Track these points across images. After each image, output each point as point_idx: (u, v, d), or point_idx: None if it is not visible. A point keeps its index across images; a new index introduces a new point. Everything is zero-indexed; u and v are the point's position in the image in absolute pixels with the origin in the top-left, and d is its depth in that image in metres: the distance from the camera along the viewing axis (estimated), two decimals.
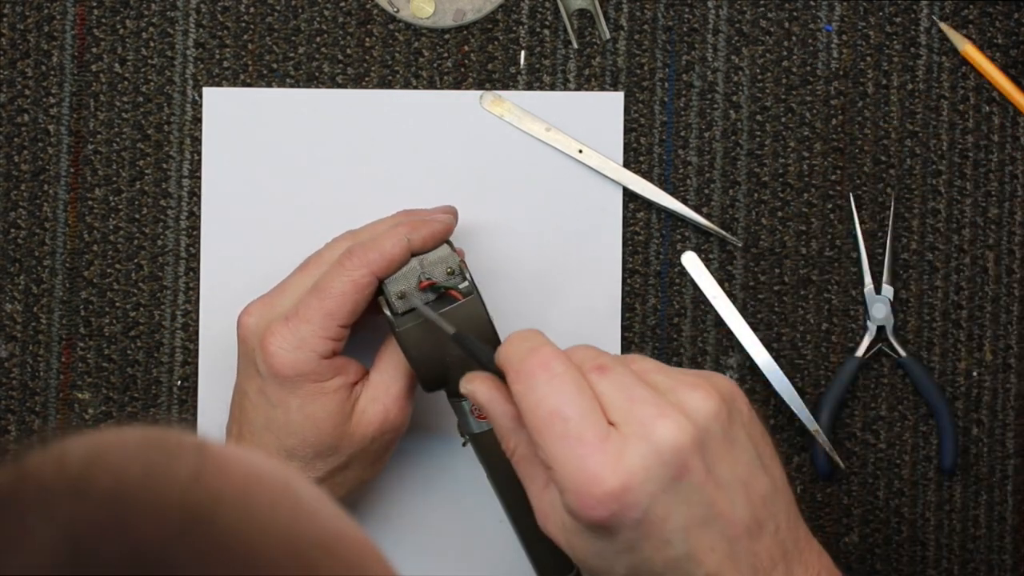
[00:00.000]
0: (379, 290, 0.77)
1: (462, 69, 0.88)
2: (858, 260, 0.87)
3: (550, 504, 0.67)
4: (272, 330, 0.77)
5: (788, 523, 0.67)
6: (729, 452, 0.65)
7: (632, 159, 0.88)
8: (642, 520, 0.63)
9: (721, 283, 0.88)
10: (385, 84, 0.88)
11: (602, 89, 0.88)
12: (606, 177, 0.87)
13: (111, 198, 0.88)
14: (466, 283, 0.77)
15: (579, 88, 0.88)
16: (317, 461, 0.78)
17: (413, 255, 0.77)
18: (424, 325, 0.76)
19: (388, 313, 0.77)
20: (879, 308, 0.87)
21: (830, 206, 0.88)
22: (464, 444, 0.80)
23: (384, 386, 0.79)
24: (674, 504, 0.63)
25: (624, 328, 0.87)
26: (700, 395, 0.65)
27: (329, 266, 0.78)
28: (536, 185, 0.87)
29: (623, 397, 0.65)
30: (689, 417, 0.64)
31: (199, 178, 0.88)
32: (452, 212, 0.82)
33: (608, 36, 0.88)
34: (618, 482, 0.63)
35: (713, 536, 0.64)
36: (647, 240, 0.88)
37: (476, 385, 0.70)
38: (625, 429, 0.64)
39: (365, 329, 0.83)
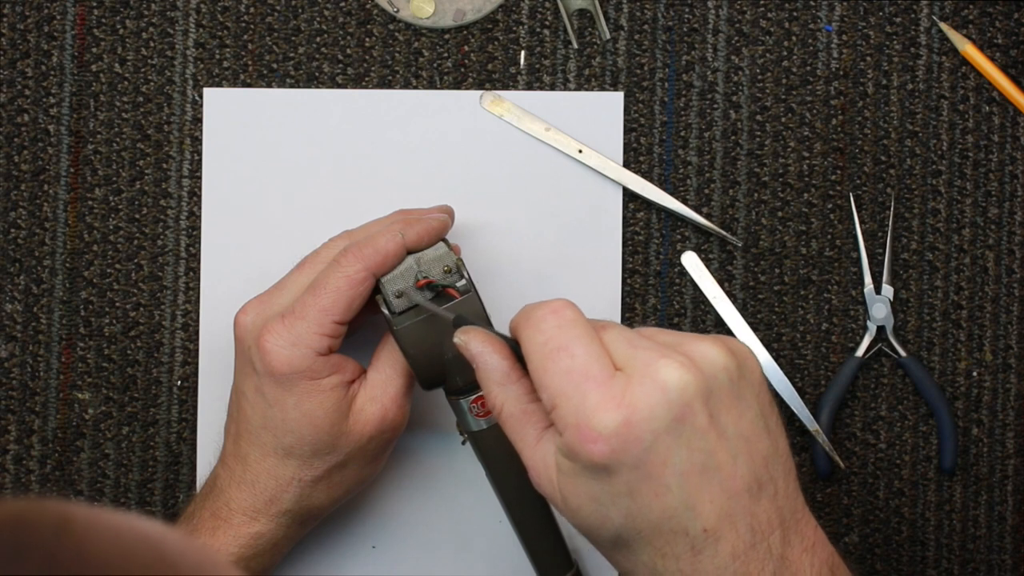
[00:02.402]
0: (377, 289, 0.77)
1: (462, 69, 0.88)
2: (858, 260, 0.87)
3: (543, 459, 0.66)
4: (268, 328, 0.77)
5: (787, 490, 0.66)
6: (735, 406, 0.65)
7: (632, 159, 0.88)
8: (642, 460, 0.63)
9: (721, 283, 0.88)
10: (385, 84, 0.88)
11: (602, 89, 0.88)
12: (606, 177, 0.87)
13: (111, 198, 0.88)
14: (463, 281, 0.77)
15: (579, 88, 0.88)
16: (315, 459, 0.78)
17: (409, 252, 0.78)
18: (422, 324, 0.76)
19: (386, 312, 0.77)
20: (879, 308, 0.87)
21: (830, 206, 0.88)
22: (463, 443, 0.80)
23: (382, 385, 0.79)
24: (675, 447, 0.63)
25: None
26: (708, 345, 0.65)
27: (326, 264, 0.78)
28: (536, 185, 0.87)
29: (628, 346, 0.65)
30: (696, 363, 0.64)
31: (199, 178, 0.88)
32: (448, 211, 0.82)
33: (608, 36, 0.88)
34: (621, 417, 0.62)
35: (712, 488, 0.64)
36: (647, 240, 0.88)
37: (469, 335, 0.70)
38: (630, 371, 0.64)
39: (363, 329, 0.83)
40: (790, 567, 0.66)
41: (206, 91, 0.87)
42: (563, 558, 0.82)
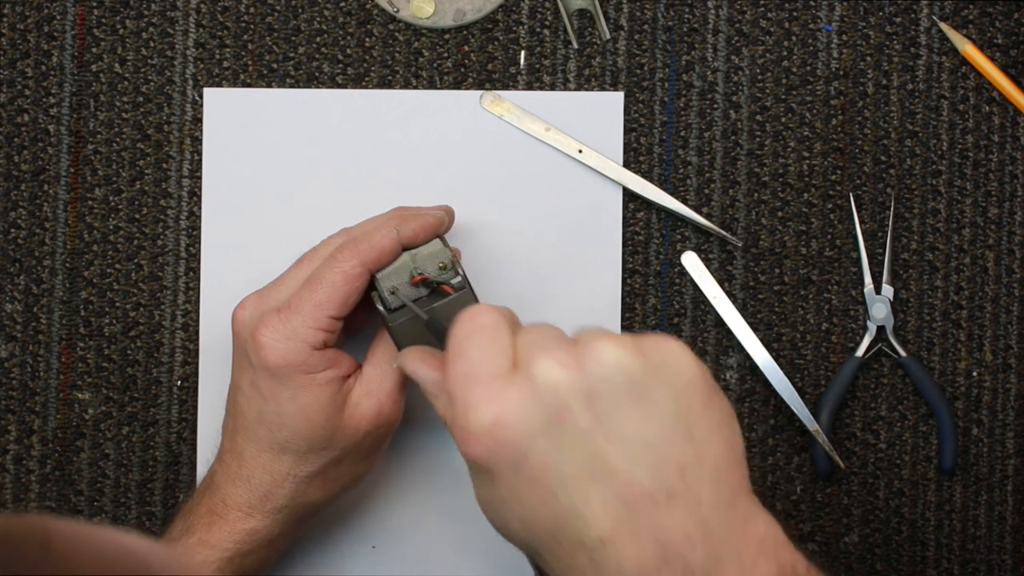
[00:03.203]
0: (372, 286, 0.78)
1: (462, 69, 0.88)
2: (858, 260, 0.87)
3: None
4: (264, 321, 0.77)
5: (718, 503, 0.61)
6: (636, 409, 0.61)
7: (632, 159, 0.88)
8: (519, 462, 0.61)
9: (721, 283, 0.88)
10: (385, 84, 0.88)
11: (602, 89, 0.88)
12: (606, 177, 0.87)
13: (111, 198, 0.88)
14: (458, 278, 0.78)
15: (579, 88, 0.88)
16: (310, 455, 0.78)
17: (404, 249, 0.78)
18: (417, 320, 0.77)
19: (381, 308, 0.77)
20: (879, 308, 0.87)
21: (830, 206, 0.88)
22: None
23: (377, 380, 0.79)
24: (555, 449, 0.61)
25: (624, 328, 0.87)
26: (608, 345, 0.62)
27: (323, 260, 0.79)
28: (536, 185, 0.87)
29: (532, 347, 0.63)
30: (581, 362, 0.61)
31: (199, 178, 0.88)
32: (448, 211, 0.82)
33: (608, 36, 0.88)
34: (491, 416, 0.61)
35: (604, 494, 0.60)
36: (647, 240, 0.88)
37: (403, 358, 0.71)
38: (518, 370, 0.62)
39: (357, 326, 0.83)
40: None
41: (206, 91, 0.87)
42: None
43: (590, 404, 0.61)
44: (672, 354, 0.63)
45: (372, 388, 0.79)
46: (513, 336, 0.64)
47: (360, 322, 0.82)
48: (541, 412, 0.61)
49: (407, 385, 0.80)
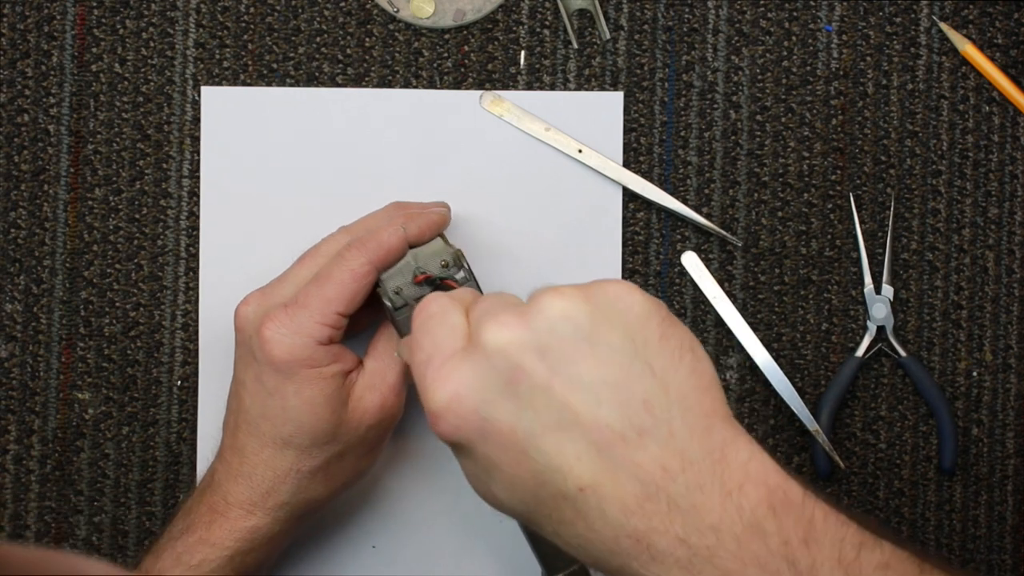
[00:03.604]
0: (377, 284, 0.78)
1: (462, 69, 0.88)
2: (858, 260, 0.87)
3: None
4: (270, 316, 0.77)
5: (691, 430, 0.60)
6: (590, 354, 0.60)
7: (632, 159, 0.88)
8: (487, 430, 0.61)
9: (721, 283, 0.88)
10: (385, 84, 0.88)
11: (602, 89, 0.88)
12: (606, 177, 0.87)
13: (111, 198, 0.88)
14: (462, 273, 0.78)
15: (579, 88, 0.88)
16: (314, 449, 0.78)
17: (410, 246, 0.78)
18: None
19: (388, 304, 0.78)
20: (879, 308, 0.87)
21: (830, 206, 0.88)
22: None
23: (380, 374, 0.79)
24: (517, 410, 0.61)
25: None
26: (551, 297, 0.61)
27: (327, 258, 0.79)
28: (536, 185, 0.87)
29: (481, 318, 0.63)
30: (527, 319, 0.61)
31: (199, 178, 0.88)
32: (445, 206, 0.83)
33: (608, 36, 0.88)
34: (449, 392, 0.61)
35: (575, 443, 0.60)
36: (647, 240, 0.88)
37: (402, 347, 0.70)
38: (469, 342, 0.62)
39: (360, 325, 0.83)
40: (706, 516, 0.60)
41: (203, 89, 0.87)
42: (569, 554, 0.82)
43: (542, 358, 0.61)
44: (618, 294, 0.62)
45: (375, 382, 0.79)
46: (467, 315, 0.64)
47: (363, 323, 0.82)
48: (495, 377, 0.61)
49: (408, 379, 0.81)
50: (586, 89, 0.88)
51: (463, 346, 0.63)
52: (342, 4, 0.88)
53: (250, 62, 0.88)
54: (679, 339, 0.62)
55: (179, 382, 0.88)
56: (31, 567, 0.43)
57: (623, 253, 0.87)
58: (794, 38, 0.88)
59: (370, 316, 0.81)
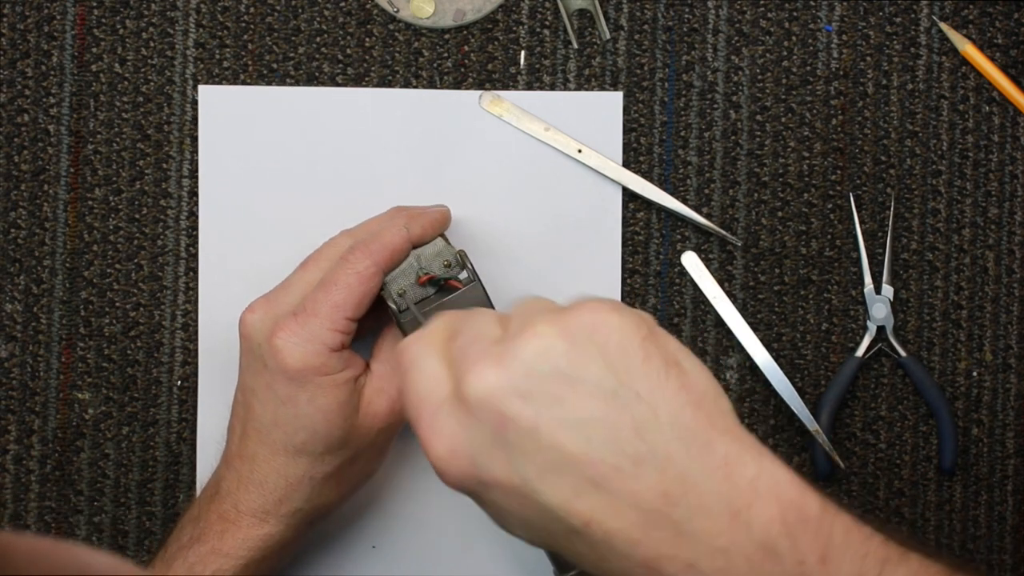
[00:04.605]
0: (381, 288, 0.78)
1: (462, 69, 0.88)
2: (858, 260, 0.87)
3: None
4: (281, 325, 0.77)
5: (690, 453, 0.59)
6: (572, 390, 0.60)
7: (632, 159, 0.88)
8: (484, 481, 0.61)
9: (721, 283, 0.88)
10: (385, 84, 0.88)
11: (602, 89, 0.88)
12: (606, 177, 0.87)
13: (111, 198, 0.88)
14: (465, 273, 0.78)
15: (579, 88, 0.88)
16: (327, 456, 0.78)
17: (413, 247, 0.78)
18: (427, 316, 0.77)
19: (393, 306, 0.78)
20: (879, 308, 0.87)
21: (830, 206, 0.88)
22: None
23: (388, 377, 0.79)
24: (510, 458, 0.60)
25: None
26: (526, 338, 0.60)
27: (330, 262, 0.79)
28: (536, 185, 0.87)
29: (462, 360, 0.62)
30: (504, 364, 0.60)
31: (199, 178, 0.88)
32: (446, 208, 0.83)
33: (608, 36, 0.88)
34: (443, 450, 0.61)
35: (571, 482, 0.59)
36: (647, 240, 0.88)
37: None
38: (453, 391, 0.62)
39: (366, 328, 0.83)
40: (715, 539, 0.58)
41: (201, 88, 0.87)
42: None
43: (526, 403, 0.60)
44: (595, 324, 0.61)
45: (383, 385, 0.79)
46: (447, 351, 0.63)
47: (367, 326, 0.82)
48: (482, 428, 0.60)
49: None
50: (586, 89, 0.88)
51: (448, 394, 0.62)
52: (342, 4, 0.88)
53: (250, 62, 0.88)
54: (662, 356, 0.61)
55: (179, 382, 0.88)
56: (37, 558, 0.42)
57: (623, 253, 0.87)
58: (794, 38, 0.88)
59: (373, 318, 0.81)
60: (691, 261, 0.88)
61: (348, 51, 0.88)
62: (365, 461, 0.80)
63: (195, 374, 0.87)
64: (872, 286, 0.87)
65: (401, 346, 0.65)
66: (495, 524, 0.65)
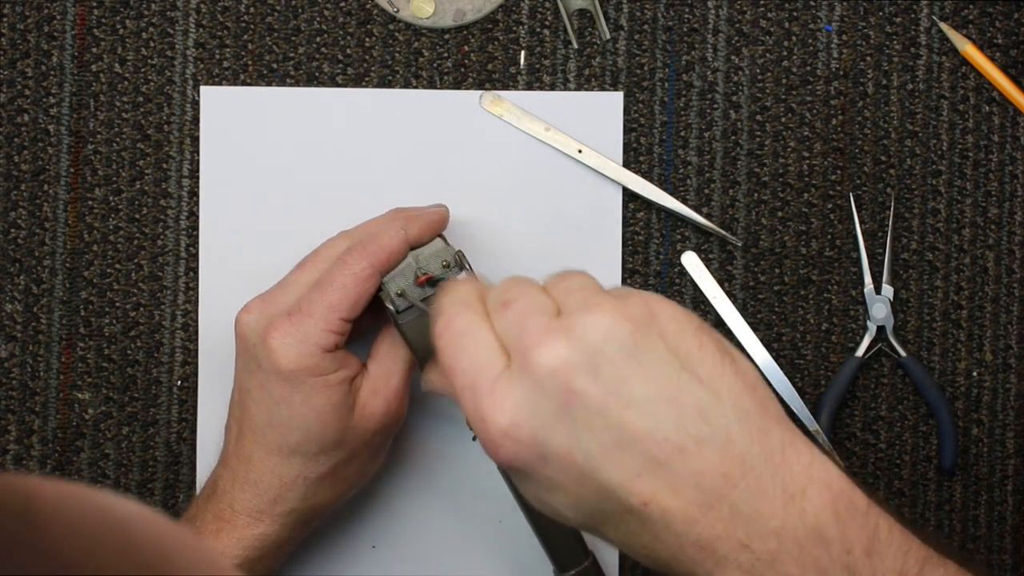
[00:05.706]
0: (379, 288, 0.78)
1: (462, 69, 0.88)
2: (858, 260, 0.87)
3: None
4: (275, 325, 0.77)
5: (749, 434, 0.61)
6: (639, 370, 0.61)
7: (632, 159, 0.88)
8: (547, 455, 0.61)
9: (721, 283, 0.88)
10: (385, 84, 0.88)
11: (602, 89, 0.88)
12: (606, 177, 0.87)
13: (111, 198, 0.88)
14: (463, 273, 0.78)
15: (579, 88, 0.88)
16: (321, 456, 0.78)
17: (411, 248, 0.78)
18: (426, 317, 0.77)
19: (391, 307, 0.78)
20: (879, 308, 0.87)
21: (830, 206, 0.88)
22: (474, 439, 0.80)
23: (384, 378, 0.79)
24: (574, 433, 0.61)
25: None
26: (593, 316, 0.62)
27: (327, 263, 0.79)
28: (536, 185, 0.87)
29: (516, 331, 0.63)
30: (573, 340, 0.61)
31: (199, 178, 0.88)
32: (444, 208, 0.83)
33: (608, 36, 0.88)
34: (505, 421, 0.61)
35: (634, 460, 0.60)
36: (647, 240, 0.88)
37: (426, 376, 0.70)
38: (513, 364, 0.62)
39: (362, 328, 0.83)
40: (769, 521, 0.60)
41: (203, 89, 0.87)
42: (579, 548, 0.82)
43: (595, 379, 0.61)
44: (653, 310, 0.62)
45: (379, 386, 0.79)
46: (492, 324, 0.64)
47: (364, 327, 0.82)
48: (548, 401, 0.61)
49: (411, 382, 0.81)
50: (586, 89, 0.88)
51: (505, 364, 0.62)
52: (342, 4, 0.88)
53: (250, 62, 0.88)
54: (716, 345, 0.63)
55: (179, 382, 0.88)
56: (63, 502, 0.42)
57: (623, 253, 0.87)
58: (794, 38, 0.88)
59: (369, 320, 0.80)
60: (691, 261, 0.88)
61: (348, 51, 0.88)
62: (361, 462, 0.80)
63: (195, 374, 0.87)
64: (872, 286, 0.87)
65: (446, 315, 0.65)
66: (532, 502, 0.65)
